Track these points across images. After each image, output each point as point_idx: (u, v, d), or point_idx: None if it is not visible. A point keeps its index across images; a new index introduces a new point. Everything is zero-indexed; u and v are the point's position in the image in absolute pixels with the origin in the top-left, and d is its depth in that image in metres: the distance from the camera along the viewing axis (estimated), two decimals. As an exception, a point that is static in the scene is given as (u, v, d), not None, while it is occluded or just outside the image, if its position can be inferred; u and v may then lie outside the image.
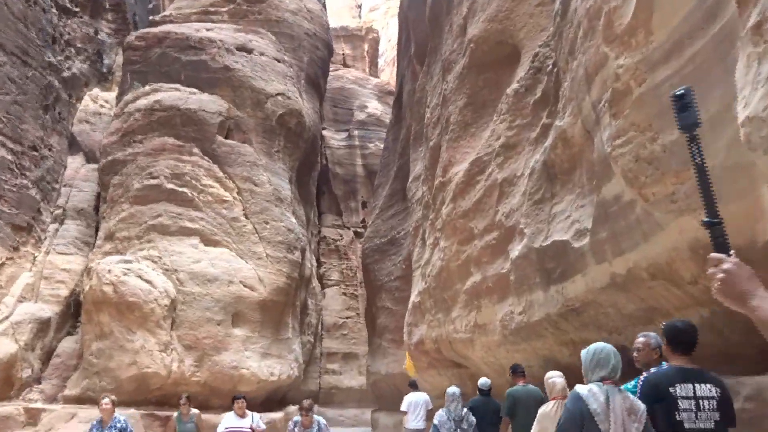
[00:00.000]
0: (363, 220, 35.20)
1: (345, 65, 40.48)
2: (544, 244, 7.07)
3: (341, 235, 36.58)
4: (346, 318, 34.76)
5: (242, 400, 7.56)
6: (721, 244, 1.66)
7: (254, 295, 15.53)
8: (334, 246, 36.32)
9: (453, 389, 7.32)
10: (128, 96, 17.89)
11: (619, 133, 4.94)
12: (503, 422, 6.86)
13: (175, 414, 8.47)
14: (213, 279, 15.07)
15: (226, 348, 14.65)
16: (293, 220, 17.98)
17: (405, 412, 11.17)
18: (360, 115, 36.92)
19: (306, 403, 6.56)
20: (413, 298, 14.25)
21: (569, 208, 6.69)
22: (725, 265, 1.52)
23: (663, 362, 3.68)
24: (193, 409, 8.24)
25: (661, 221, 4.70)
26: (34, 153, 17.01)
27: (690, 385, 3.14)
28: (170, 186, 16.08)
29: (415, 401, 11.18)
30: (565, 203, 6.85)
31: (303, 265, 21.95)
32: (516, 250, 7.80)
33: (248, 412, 7.52)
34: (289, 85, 19.09)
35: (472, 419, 7.06)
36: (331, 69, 39.12)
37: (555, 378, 5.47)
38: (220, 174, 16.68)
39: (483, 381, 7.97)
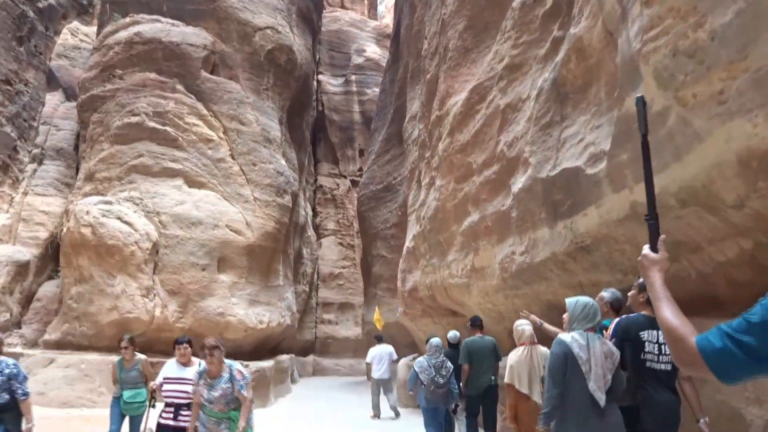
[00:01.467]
0: (360, 169, 34.30)
1: (342, 7, 38.76)
2: (552, 174, 6.21)
3: (338, 184, 35.75)
4: (342, 268, 34.27)
5: (185, 345, 5.86)
6: (652, 238, 1.87)
7: (241, 239, 14.77)
8: (330, 195, 35.54)
9: (436, 340, 7.85)
10: (107, 28, 16.71)
11: (653, 23, 4.02)
12: (462, 370, 7.51)
13: (116, 359, 7.10)
14: (197, 222, 14.26)
15: (211, 294, 13.96)
16: (283, 162, 17.07)
17: (370, 364, 12.28)
18: (358, 60, 35.50)
19: (209, 341, 4.90)
20: (407, 243, 13.51)
21: (582, 131, 5.81)
22: (639, 257, 1.79)
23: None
24: (138, 354, 6.97)
25: (702, 130, 3.83)
26: (8, 87, 15.98)
27: (655, 332, 3.68)
28: (152, 124, 15.10)
29: (379, 354, 12.29)
30: (577, 125, 5.96)
31: (296, 212, 21.18)
32: (519, 182, 6.96)
33: (195, 360, 5.87)
34: (279, 19, 17.86)
35: (450, 366, 7.54)
36: (327, 10, 37.53)
37: (523, 326, 5.86)
38: (205, 112, 15.67)
39: (452, 334, 8.92)
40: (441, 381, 7.30)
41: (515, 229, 7.19)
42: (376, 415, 12.31)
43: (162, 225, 14.02)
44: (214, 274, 14.21)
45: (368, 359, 12.56)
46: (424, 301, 12.36)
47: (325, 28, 36.00)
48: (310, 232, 29.38)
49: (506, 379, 5.47)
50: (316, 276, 32.59)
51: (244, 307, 14.50)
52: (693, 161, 4.11)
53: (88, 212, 13.44)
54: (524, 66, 7.30)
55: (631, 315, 4.01)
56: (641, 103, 2.09)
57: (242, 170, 15.65)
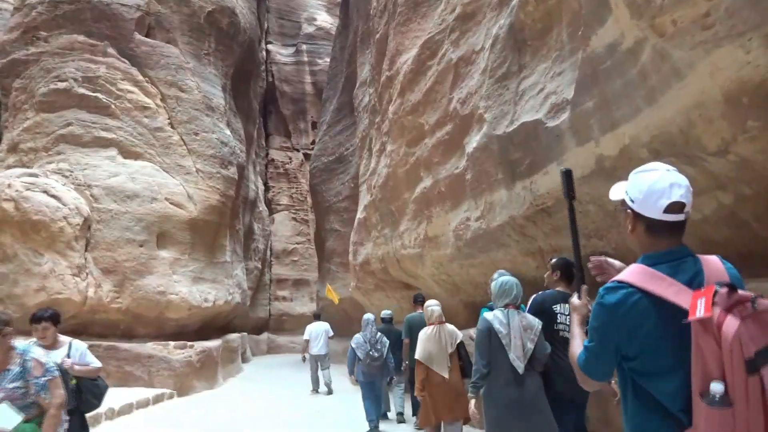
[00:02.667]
0: (313, 142, 33.30)
1: (292, -27, 37.30)
2: (509, 130, 5.66)
3: (290, 158, 34.77)
4: (297, 244, 33.49)
5: (46, 321, 4.41)
6: (578, 288, 2.20)
7: (182, 213, 13.84)
8: (282, 169, 34.56)
9: (368, 316, 8.40)
10: (29, -14, 15.32)
11: (626, -61, 3.46)
12: (404, 344, 7.86)
13: None
14: (133, 195, 13.26)
15: (150, 271, 13.05)
16: (227, 132, 16.11)
17: (308, 340, 12.76)
18: (308, 28, 34.30)
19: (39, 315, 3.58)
20: (359, 214, 12.90)
21: (543, 80, 5.26)
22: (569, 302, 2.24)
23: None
24: None
25: (682, 64, 3.30)
26: None
27: (566, 305, 4.03)
28: (81, 90, 13.92)
29: (316, 331, 12.78)
30: (537, 75, 5.40)
31: (244, 185, 20.26)
32: (474, 141, 6.39)
33: (64, 339, 4.57)
34: (220, -22, 16.74)
35: (385, 341, 8.07)
36: (276, -23, 36.07)
37: (433, 306, 6.05)
38: (140, 77, 14.55)
39: (385, 312, 9.43)
40: (376, 354, 7.83)
41: (470, 193, 6.64)
42: (315, 389, 12.69)
43: (94, 198, 12.99)
44: (153, 251, 13.30)
45: (306, 336, 12.93)
46: (376, 274, 11.81)
47: (274, -5, 34.63)
48: (262, 207, 28.46)
49: (417, 356, 5.78)
50: (269, 252, 31.74)
51: (187, 285, 13.66)
52: (670, 102, 3.59)
53: (10, 186, 12.30)
54: (478, 14, 6.68)
55: (546, 291, 4.44)
56: (566, 174, 2.43)
57: (183, 140, 14.66)
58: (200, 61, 15.84)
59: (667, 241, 1.75)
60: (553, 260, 4.55)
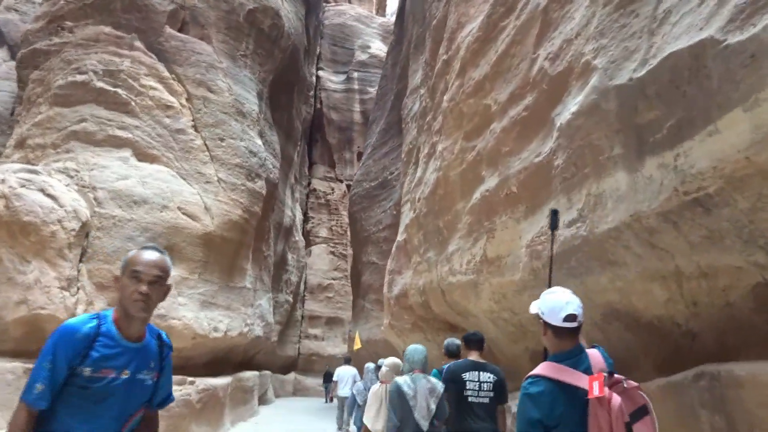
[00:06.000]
0: (357, 173, 31.77)
1: (349, 0, 36.49)
2: (640, 74, 3.52)
3: (333, 189, 33.20)
4: (333, 279, 31.53)
5: None
6: None
7: (196, 226, 12.04)
8: (324, 200, 32.98)
9: (369, 365, 9.04)
10: (60, -25, 14.24)
11: None
12: None
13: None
14: (141, 201, 11.56)
15: (152, 290, 11.20)
16: (258, 141, 14.41)
17: (336, 382, 13.69)
18: (361, 56, 33.12)
19: None
20: (399, 237, 10.79)
21: (710, -19, 3.14)
22: None
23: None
24: None
25: None
26: (-65, 36, 13.48)
27: (476, 373, 4.66)
28: (100, 84, 12.50)
29: (344, 374, 13.55)
30: (695, -21, 3.29)
31: (278, 209, 18.54)
32: (572, 106, 4.25)
33: None
34: (264, -24, 15.37)
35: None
36: (332, 3, 35.37)
37: (387, 364, 6.10)
38: (166, 74, 13.07)
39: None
40: None
41: (560, 186, 4.47)
42: (340, 428, 13.12)
43: (97, 202, 11.34)
44: (157, 267, 11.45)
45: (335, 377, 13.76)
46: (414, 310, 9.60)
47: (329, 21, 33.81)
48: (298, 236, 26.70)
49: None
50: (302, 286, 29.85)
51: (193, 309, 11.75)
52: None
53: (3, 181, 10.77)
54: (583, -68, 4.65)
55: (458, 360, 5.09)
56: (554, 214, 3.66)
57: (206, 145, 13.01)
58: (235, 62, 14.33)
59: (568, 342, 2.40)
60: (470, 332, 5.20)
